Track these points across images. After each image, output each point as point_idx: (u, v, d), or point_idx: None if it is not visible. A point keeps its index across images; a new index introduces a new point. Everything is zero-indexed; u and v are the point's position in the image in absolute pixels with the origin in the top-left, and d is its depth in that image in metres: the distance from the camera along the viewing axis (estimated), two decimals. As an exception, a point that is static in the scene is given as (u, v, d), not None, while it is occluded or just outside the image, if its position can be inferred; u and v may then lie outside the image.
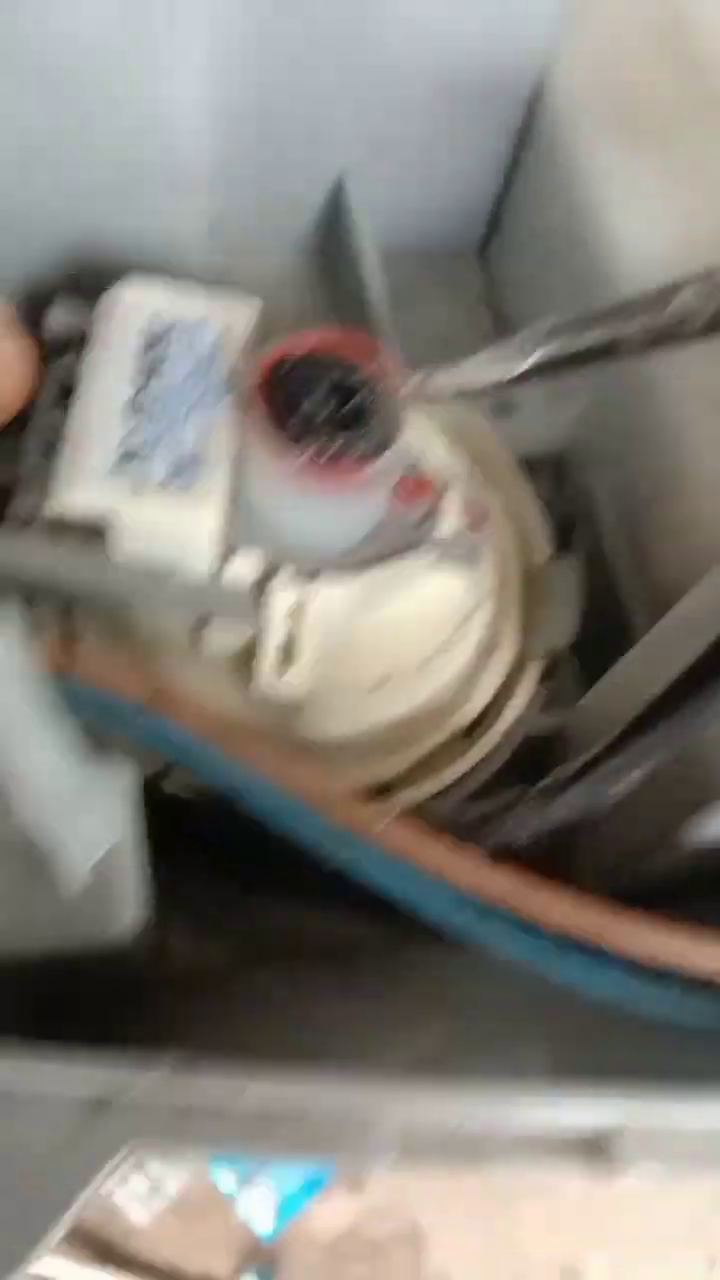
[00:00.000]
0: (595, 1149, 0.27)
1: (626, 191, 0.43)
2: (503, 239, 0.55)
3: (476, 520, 0.36)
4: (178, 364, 0.33)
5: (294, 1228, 0.62)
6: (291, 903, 0.39)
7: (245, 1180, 0.60)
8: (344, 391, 0.31)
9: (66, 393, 0.37)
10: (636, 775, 0.23)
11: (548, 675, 0.41)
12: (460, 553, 0.36)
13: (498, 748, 0.40)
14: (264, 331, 0.35)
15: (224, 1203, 0.61)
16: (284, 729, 0.36)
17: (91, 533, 0.34)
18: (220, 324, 0.34)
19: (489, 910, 0.29)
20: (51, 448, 0.36)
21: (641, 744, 0.23)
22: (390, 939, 0.38)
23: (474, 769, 0.39)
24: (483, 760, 0.39)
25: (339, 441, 0.31)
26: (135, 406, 0.32)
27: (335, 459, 0.31)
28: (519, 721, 0.40)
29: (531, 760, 0.41)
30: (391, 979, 0.40)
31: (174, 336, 0.33)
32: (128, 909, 0.27)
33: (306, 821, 0.30)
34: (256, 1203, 0.60)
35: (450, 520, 0.35)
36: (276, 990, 0.38)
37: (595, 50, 0.45)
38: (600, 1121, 0.27)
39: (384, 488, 0.32)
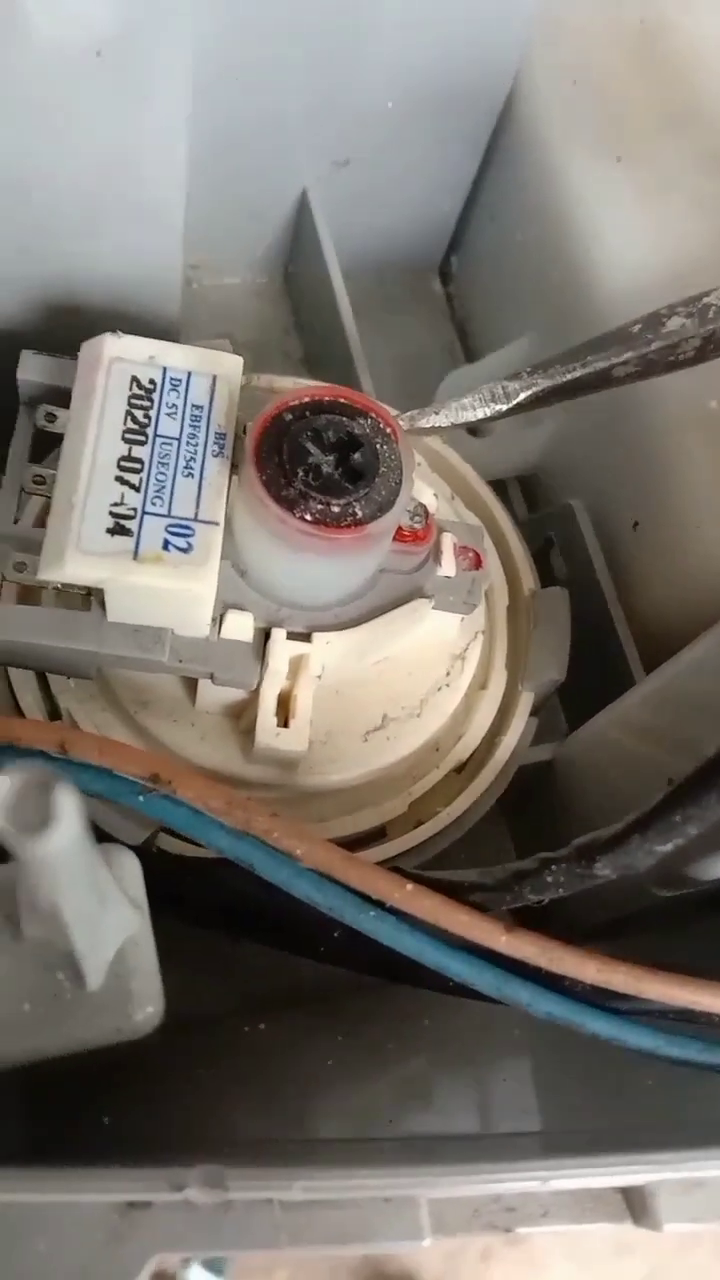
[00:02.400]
0: (633, 1205, 0.27)
1: (601, 204, 0.43)
2: (465, 254, 0.54)
3: (472, 562, 0.35)
4: (165, 421, 0.31)
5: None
6: (279, 951, 0.38)
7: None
8: (346, 446, 0.30)
9: (38, 446, 0.36)
10: (692, 832, 0.23)
11: (538, 707, 0.41)
12: (458, 596, 0.35)
13: (494, 783, 0.40)
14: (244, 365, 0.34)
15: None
16: (282, 780, 0.36)
17: (77, 596, 0.33)
18: (208, 378, 0.32)
19: (513, 972, 0.29)
20: (24, 505, 0.35)
21: (700, 803, 0.22)
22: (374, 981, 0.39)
23: (472, 806, 0.39)
24: (480, 796, 0.39)
25: (343, 501, 0.30)
26: (125, 467, 0.31)
27: (338, 518, 0.30)
28: (513, 756, 0.40)
29: (521, 792, 0.41)
30: (375, 1016, 0.40)
31: (162, 392, 0.32)
32: (149, 1001, 0.26)
33: (323, 889, 0.29)
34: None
35: (447, 563, 0.35)
36: (266, 1037, 0.38)
37: (567, 62, 0.44)
38: (634, 1180, 0.27)
39: (386, 540, 0.32)
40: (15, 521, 0.34)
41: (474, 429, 0.46)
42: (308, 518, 0.30)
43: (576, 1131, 0.32)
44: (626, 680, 0.42)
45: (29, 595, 0.35)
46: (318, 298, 0.49)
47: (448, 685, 0.38)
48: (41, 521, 0.35)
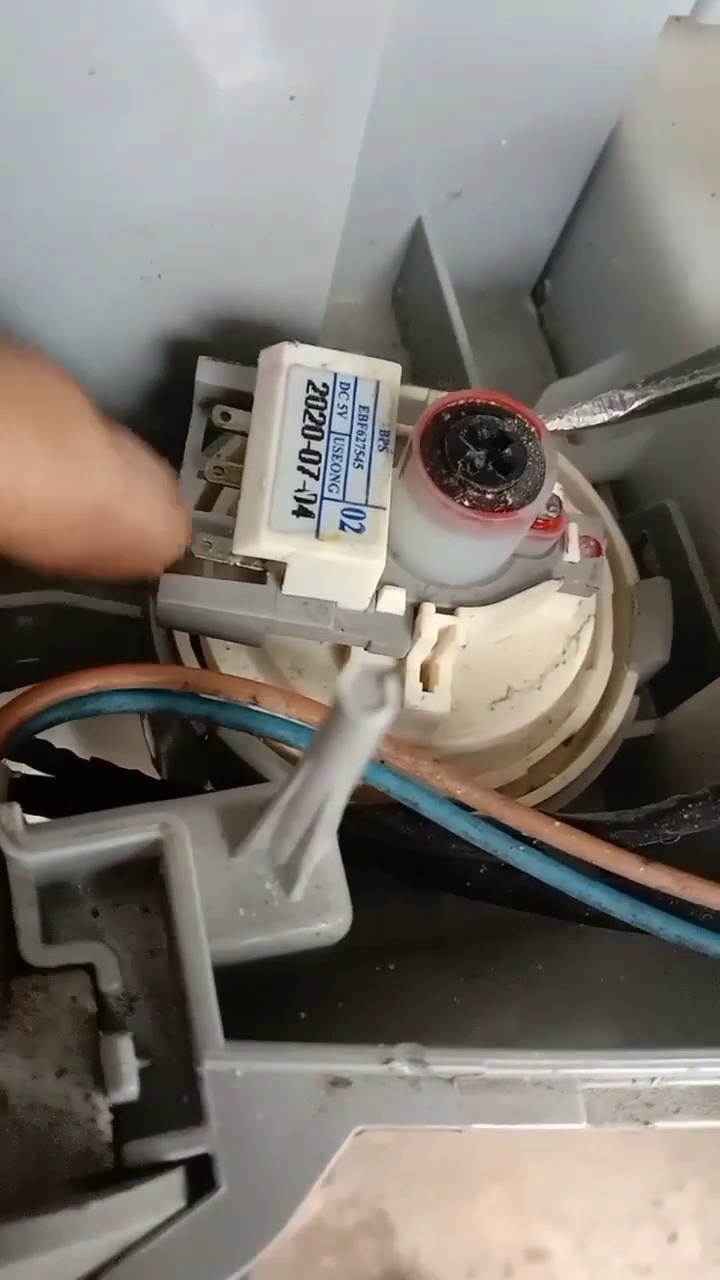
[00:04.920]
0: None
1: (698, 236, 0.47)
2: (559, 278, 0.59)
3: (593, 549, 0.40)
4: (338, 419, 0.36)
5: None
6: (412, 897, 0.43)
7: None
8: (497, 442, 0.35)
9: (208, 441, 0.41)
10: None
11: (640, 687, 0.45)
12: (582, 579, 0.39)
13: (601, 754, 0.44)
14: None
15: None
16: (419, 743, 0.40)
17: (249, 573, 0.38)
18: (373, 383, 0.37)
19: (646, 901, 0.33)
20: (209, 493, 0.40)
21: None
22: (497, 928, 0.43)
23: (581, 775, 0.43)
24: (589, 766, 0.43)
25: (496, 489, 0.34)
26: (305, 459, 0.35)
27: (492, 504, 0.34)
28: (619, 730, 0.44)
29: (624, 765, 0.45)
30: (496, 958, 0.44)
31: (334, 394, 0.36)
32: (341, 912, 0.31)
33: (479, 826, 0.34)
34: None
35: (573, 549, 0.39)
36: (396, 976, 0.42)
37: (668, 106, 0.49)
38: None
39: (528, 526, 0.36)
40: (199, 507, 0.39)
41: (573, 436, 0.51)
42: (466, 503, 0.34)
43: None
44: (718, 665, 0.46)
45: (214, 572, 0.39)
46: (429, 316, 0.54)
47: (564, 663, 0.43)
48: (209, 506, 0.40)
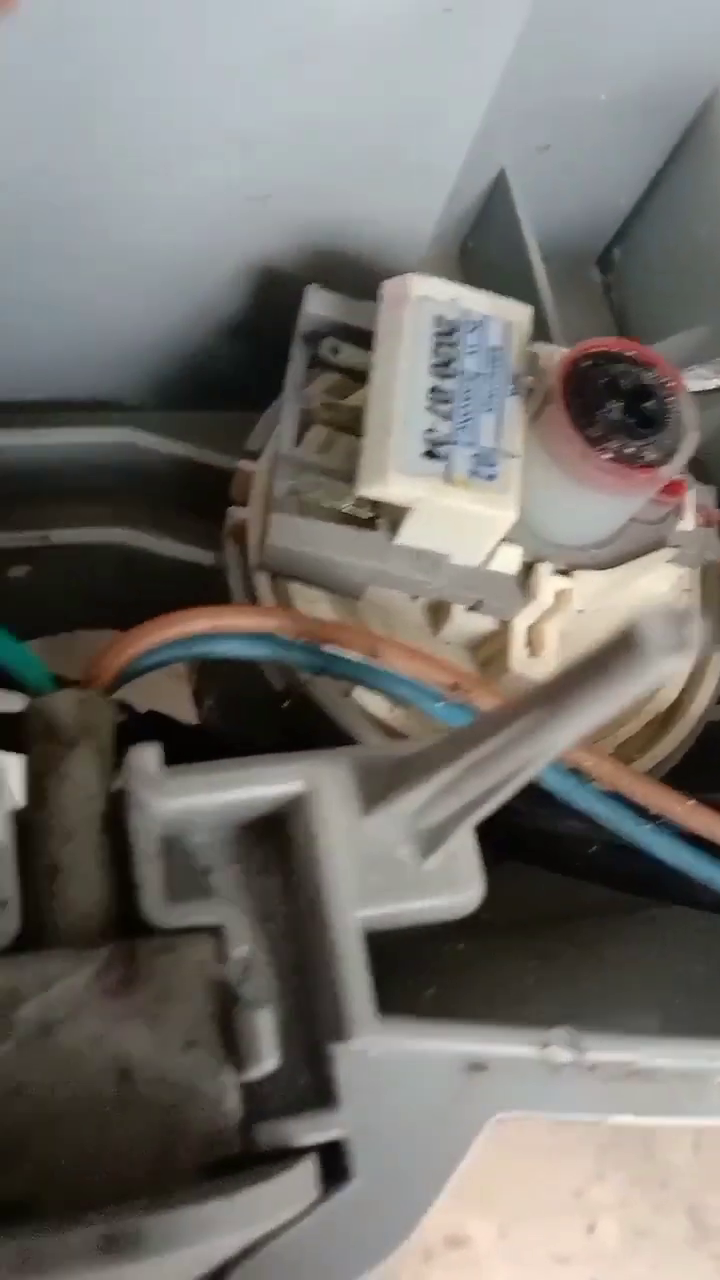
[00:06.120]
0: None
1: None
2: (631, 245, 0.57)
3: (708, 519, 0.38)
4: (469, 359, 0.34)
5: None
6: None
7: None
8: (639, 394, 0.33)
9: (313, 374, 0.38)
10: None
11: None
12: (695, 550, 0.38)
13: (686, 736, 0.42)
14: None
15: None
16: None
17: (356, 520, 0.35)
18: (502, 322, 0.35)
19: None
20: (306, 428, 0.37)
21: None
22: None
23: (666, 756, 0.41)
24: (675, 747, 0.42)
25: (638, 444, 0.32)
26: (435, 398, 0.33)
27: (632, 459, 0.32)
28: (706, 711, 0.42)
29: (707, 747, 0.43)
30: (546, 947, 0.42)
31: (463, 331, 0.34)
32: (473, 884, 0.28)
33: (605, 801, 0.32)
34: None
35: (688, 517, 0.37)
36: (465, 955, 0.40)
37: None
38: None
39: (661, 487, 0.34)
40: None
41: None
42: (607, 456, 0.32)
43: None
44: None
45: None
46: (503, 274, 0.51)
47: (656, 638, 0.41)
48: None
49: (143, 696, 0.39)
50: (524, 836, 0.35)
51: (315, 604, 0.37)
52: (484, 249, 0.54)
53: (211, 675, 0.46)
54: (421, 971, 0.37)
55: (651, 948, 0.40)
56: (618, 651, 0.18)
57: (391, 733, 0.37)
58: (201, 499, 0.41)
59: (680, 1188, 0.79)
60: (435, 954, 0.40)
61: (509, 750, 0.22)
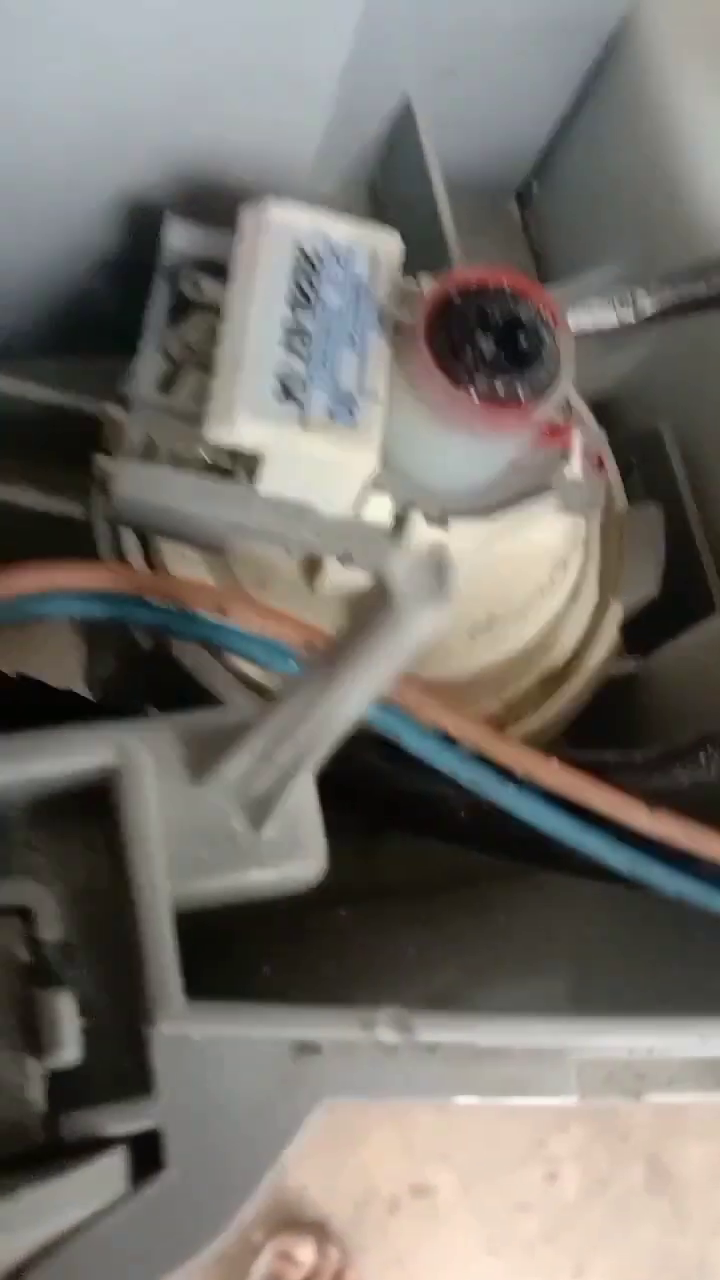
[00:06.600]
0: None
1: (715, 132, 0.43)
2: (550, 178, 0.54)
3: (596, 464, 0.36)
4: (330, 291, 0.31)
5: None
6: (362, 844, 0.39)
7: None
8: (511, 327, 0.31)
9: (176, 314, 0.35)
10: None
11: (625, 621, 0.42)
12: (583, 498, 0.36)
13: (580, 692, 0.40)
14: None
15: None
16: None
17: (216, 470, 0.33)
18: (368, 252, 0.32)
19: (644, 851, 0.30)
20: (171, 374, 0.35)
21: None
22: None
23: (558, 714, 0.40)
24: (567, 705, 0.40)
25: (507, 381, 0.30)
26: (291, 333, 0.31)
27: (504, 398, 0.30)
28: (600, 667, 0.41)
29: (604, 704, 0.42)
30: (458, 908, 0.41)
31: (325, 262, 0.32)
32: (315, 854, 0.27)
33: (468, 763, 0.30)
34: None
35: (575, 463, 0.35)
36: (348, 921, 0.39)
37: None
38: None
39: (537, 428, 0.32)
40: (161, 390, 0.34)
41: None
42: (474, 395, 0.30)
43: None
44: (706, 604, 0.43)
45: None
46: (411, 210, 0.49)
47: (549, 591, 0.39)
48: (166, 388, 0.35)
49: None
50: (399, 802, 0.33)
51: (185, 559, 0.35)
52: (392, 185, 0.51)
53: (97, 636, 0.43)
54: (298, 941, 0.36)
55: (541, 914, 0.39)
56: (374, 603, 0.16)
57: (265, 694, 0.35)
58: (74, 448, 0.38)
59: (640, 1139, 0.80)
60: (314, 922, 0.39)
61: (305, 714, 0.20)
